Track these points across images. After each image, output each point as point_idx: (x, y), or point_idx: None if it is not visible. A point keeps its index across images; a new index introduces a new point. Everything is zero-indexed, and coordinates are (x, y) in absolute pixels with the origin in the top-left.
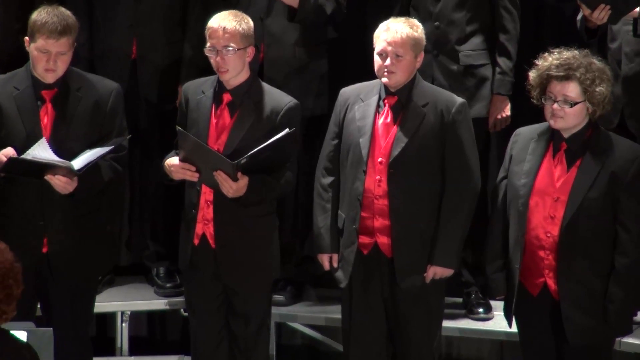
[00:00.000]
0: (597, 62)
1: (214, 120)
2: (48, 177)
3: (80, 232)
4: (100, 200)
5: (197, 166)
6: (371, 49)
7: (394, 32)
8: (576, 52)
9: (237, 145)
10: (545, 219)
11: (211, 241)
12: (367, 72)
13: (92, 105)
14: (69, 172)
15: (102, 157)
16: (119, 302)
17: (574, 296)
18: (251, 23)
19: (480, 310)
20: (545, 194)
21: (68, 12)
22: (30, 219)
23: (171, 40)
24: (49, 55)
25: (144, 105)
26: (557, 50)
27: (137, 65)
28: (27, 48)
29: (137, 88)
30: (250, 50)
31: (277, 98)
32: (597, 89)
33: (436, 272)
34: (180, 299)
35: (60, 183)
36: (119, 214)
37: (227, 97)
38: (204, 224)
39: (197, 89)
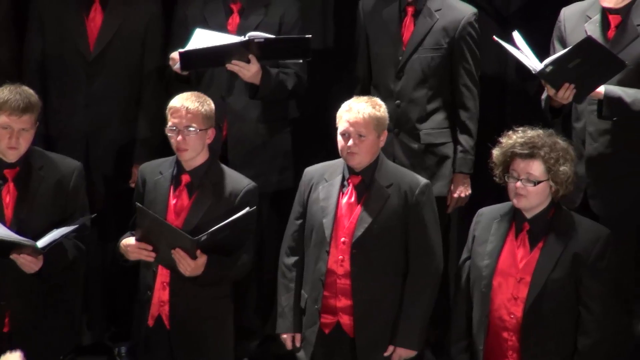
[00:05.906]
0: (561, 142)
1: (172, 201)
2: (14, 256)
3: (42, 311)
4: (61, 279)
5: (154, 245)
6: (334, 126)
7: (356, 112)
8: (540, 131)
9: (196, 226)
10: (509, 300)
11: (166, 322)
12: (332, 149)
13: (54, 184)
14: (34, 251)
15: (66, 236)
16: None
17: None
18: (212, 105)
19: None
20: (508, 274)
21: (31, 91)
22: None
23: (126, 119)
24: (11, 132)
25: (99, 185)
26: (521, 128)
27: (90, 143)
28: None
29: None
30: (211, 132)
31: (235, 180)
32: (561, 168)
33: (400, 354)
34: None
35: (26, 262)
36: (80, 292)
37: (185, 178)
38: (160, 306)
39: (154, 170)
